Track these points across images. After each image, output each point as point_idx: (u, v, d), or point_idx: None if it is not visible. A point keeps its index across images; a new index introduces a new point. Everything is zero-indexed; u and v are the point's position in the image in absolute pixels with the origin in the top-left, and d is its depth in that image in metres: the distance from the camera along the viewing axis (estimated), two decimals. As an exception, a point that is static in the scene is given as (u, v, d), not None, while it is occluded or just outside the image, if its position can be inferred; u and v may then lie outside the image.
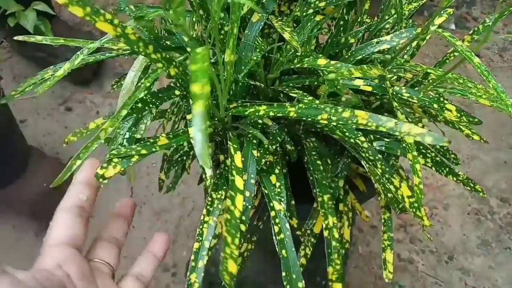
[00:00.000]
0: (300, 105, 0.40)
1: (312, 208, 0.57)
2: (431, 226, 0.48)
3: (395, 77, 0.52)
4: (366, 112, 0.35)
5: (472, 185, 0.62)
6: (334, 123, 0.37)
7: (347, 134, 0.45)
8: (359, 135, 0.43)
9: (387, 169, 0.43)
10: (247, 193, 0.45)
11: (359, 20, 0.58)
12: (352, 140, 0.42)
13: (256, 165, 0.46)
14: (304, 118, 0.39)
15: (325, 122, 0.37)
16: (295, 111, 0.40)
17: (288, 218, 0.49)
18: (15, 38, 0.55)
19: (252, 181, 0.45)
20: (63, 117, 1.41)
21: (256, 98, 0.53)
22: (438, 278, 1.16)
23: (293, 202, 0.56)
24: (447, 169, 0.55)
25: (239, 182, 0.40)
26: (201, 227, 0.43)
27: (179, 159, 0.58)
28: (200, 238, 0.43)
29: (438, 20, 0.61)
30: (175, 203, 1.26)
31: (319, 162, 0.51)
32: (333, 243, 0.50)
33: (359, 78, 0.45)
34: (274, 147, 0.47)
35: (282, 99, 0.53)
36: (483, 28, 0.53)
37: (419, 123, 0.42)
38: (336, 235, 0.50)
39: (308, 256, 0.57)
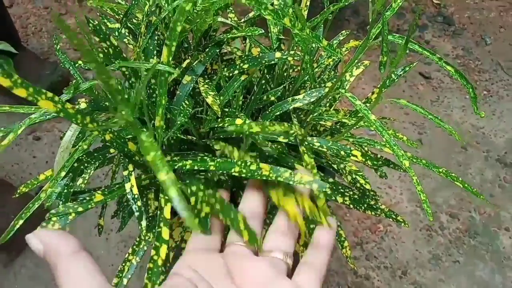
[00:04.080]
0: (218, 160, 0.46)
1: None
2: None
3: (312, 125, 0.59)
4: (268, 165, 0.42)
5: (394, 216, 0.69)
6: (244, 175, 0.43)
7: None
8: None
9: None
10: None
11: (285, 74, 0.65)
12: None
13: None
14: (221, 171, 0.45)
15: (237, 174, 0.44)
16: (214, 165, 0.46)
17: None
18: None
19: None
20: (31, 146, 1.45)
21: (192, 148, 0.59)
22: (391, 293, 1.23)
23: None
24: (365, 205, 0.62)
25: (165, 233, 0.46)
26: (123, 264, 0.49)
27: (125, 203, 0.63)
28: (120, 275, 0.49)
29: (356, 71, 0.69)
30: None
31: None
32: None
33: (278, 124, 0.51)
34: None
35: (213, 146, 0.59)
36: (389, 82, 0.60)
37: (313, 169, 0.48)
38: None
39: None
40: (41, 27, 1.73)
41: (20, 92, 0.36)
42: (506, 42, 1.81)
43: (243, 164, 0.44)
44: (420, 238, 1.32)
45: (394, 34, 0.50)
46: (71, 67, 0.59)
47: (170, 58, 0.47)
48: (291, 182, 0.41)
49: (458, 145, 1.49)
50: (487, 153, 1.49)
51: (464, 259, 1.28)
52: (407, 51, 0.44)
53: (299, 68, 0.64)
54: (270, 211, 0.59)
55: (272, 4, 0.56)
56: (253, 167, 0.43)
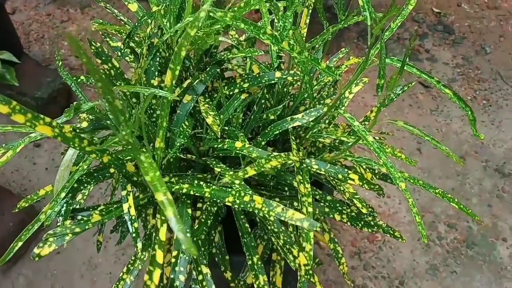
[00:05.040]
0: (213, 187, 0.47)
1: (246, 261, 0.64)
2: None
3: (310, 143, 0.59)
4: (261, 198, 0.42)
5: (391, 232, 0.69)
6: (237, 206, 0.44)
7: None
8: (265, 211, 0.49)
9: (288, 240, 0.50)
10: (183, 246, 0.51)
11: (284, 90, 0.66)
12: (261, 214, 0.49)
13: (190, 223, 0.53)
14: (215, 199, 0.46)
15: (230, 204, 0.44)
16: (209, 192, 0.47)
17: (223, 272, 0.55)
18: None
19: (188, 235, 0.51)
20: (31, 153, 1.45)
21: (191, 165, 0.60)
22: (389, 304, 1.23)
23: (227, 257, 0.63)
24: (362, 222, 0.63)
25: (159, 257, 0.46)
26: (117, 283, 0.49)
27: (124, 219, 0.63)
28: None
29: (355, 89, 0.69)
30: (140, 235, 1.31)
31: (247, 225, 0.57)
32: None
33: (274, 158, 0.52)
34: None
35: (213, 167, 0.59)
36: (388, 101, 0.61)
37: (308, 198, 0.49)
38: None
39: (241, 304, 0.63)
40: (43, 33, 1.73)
41: (18, 118, 0.37)
42: (506, 51, 1.81)
43: (237, 194, 0.45)
44: (417, 248, 1.32)
45: (392, 57, 0.51)
46: (73, 84, 0.59)
47: (174, 82, 0.48)
48: (282, 218, 0.41)
49: (457, 155, 1.49)
50: (485, 163, 1.49)
51: (461, 270, 1.28)
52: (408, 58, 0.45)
53: (299, 83, 0.64)
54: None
55: (272, 23, 0.57)
56: (247, 198, 0.44)
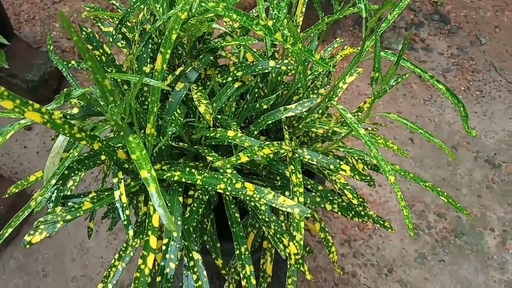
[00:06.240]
0: (205, 174, 0.47)
1: (236, 248, 0.64)
2: (311, 279, 0.56)
3: (303, 133, 0.59)
4: (253, 185, 0.42)
5: (381, 222, 0.70)
6: (229, 193, 0.44)
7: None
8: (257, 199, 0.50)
9: (279, 229, 0.50)
10: (174, 234, 0.51)
11: (278, 79, 0.65)
12: (252, 203, 0.49)
13: (181, 211, 0.53)
14: (207, 186, 0.46)
15: (222, 191, 0.44)
16: (201, 179, 0.47)
17: (215, 259, 0.55)
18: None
19: (179, 222, 0.51)
20: (22, 136, 1.44)
21: (182, 155, 0.59)
22: (377, 291, 1.25)
23: (218, 244, 0.63)
24: (353, 212, 0.63)
25: (153, 242, 0.47)
26: (109, 270, 0.49)
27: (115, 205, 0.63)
28: (106, 280, 0.49)
29: (350, 79, 0.69)
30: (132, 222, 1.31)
31: (237, 214, 0.57)
32: (251, 290, 0.57)
33: (267, 146, 0.52)
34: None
35: (205, 156, 0.59)
36: (382, 92, 0.60)
37: (300, 188, 0.49)
38: (253, 281, 0.56)
39: (232, 291, 0.64)
40: (34, 14, 1.70)
41: (6, 104, 0.36)
42: (501, 42, 1.81)
43: (228, 181, 0.45)
44: (407, 237, 1.34)
45: (386, 50, 0.50)
46: (64, 69, 0.59)
47: (165, 66, 0.47)
48: (273, 205, 0.41)
49: (449, 145, 1.50)
50: (476, 153, 1.51)
51: (449, 259, 1.30)
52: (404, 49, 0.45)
53: (292, 72, 0.64)
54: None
55: (267, 11, 0.56)
56: (238, 185, 0.44)
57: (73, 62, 0.65)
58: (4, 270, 1.19)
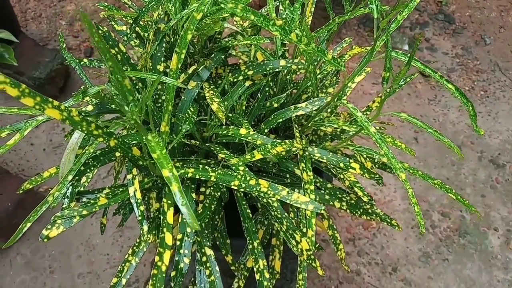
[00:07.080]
0: (219, 171, 0.47)
1: (246, 245, 0.65)
2: (323, 275, 0.57)
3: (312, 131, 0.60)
4: (267, 182, 0.43)
5: (388, 220, 0.71)
6: (243, 189, 0.45)
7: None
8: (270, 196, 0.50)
9: (291, 225, 0.51)
10: (188, 229, 0.52)
11: (287, 77, 0.66)
12: (264, 200, 0.50)
13: (194, 207, 0.54)
14: (221, 183, 0.46)
15: (236, 188, 0.45)
16: (215, 176, 0.47)
17: (224, 256, 0.56)
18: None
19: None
20: (29, 133, 1.45)
21: (193, 153, 0.60)
22: (381, 289, 1.26)
23: (228, 240, 0.64)
24: (361, 210, 0.64)
25: (168, 239, 0.47)
26: (123, 264, 0.50)
27: (127, 201, 0.64)
28: (120, 275, 0.50)
29: (358, 78, 0.70)
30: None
31: (248, 210, 0.58)
32: (264, 283, 0.58)
33: (279, 144, 0.53)
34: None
35: (217, 153, 0.60)
36: (391, 92, 0.61)
37: (311, 186, 0.50)
38: (267, 275, 0.57)
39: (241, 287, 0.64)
40: (40, 12, 1.71)
41: (28, 102, 0.37)
42: (506, 42, 1.82)
43: (242, 178, 0.45)
44: (411, 236, 1.35)
45: (397, 51, 0.51)
46: (77, 67, 0.59)
47: (179, 65, 0.48)
48: (287, 201, 0.42)
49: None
50: (480, 153, 1.51)
51: (453, 258, 1.31)
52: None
53: (302, 71, 0.65)
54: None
55: (277, 10, 0.57)
56: (252, 182, 0.44)
57: (85, 60, 0.66)
58: (11, 266, 1.20)
